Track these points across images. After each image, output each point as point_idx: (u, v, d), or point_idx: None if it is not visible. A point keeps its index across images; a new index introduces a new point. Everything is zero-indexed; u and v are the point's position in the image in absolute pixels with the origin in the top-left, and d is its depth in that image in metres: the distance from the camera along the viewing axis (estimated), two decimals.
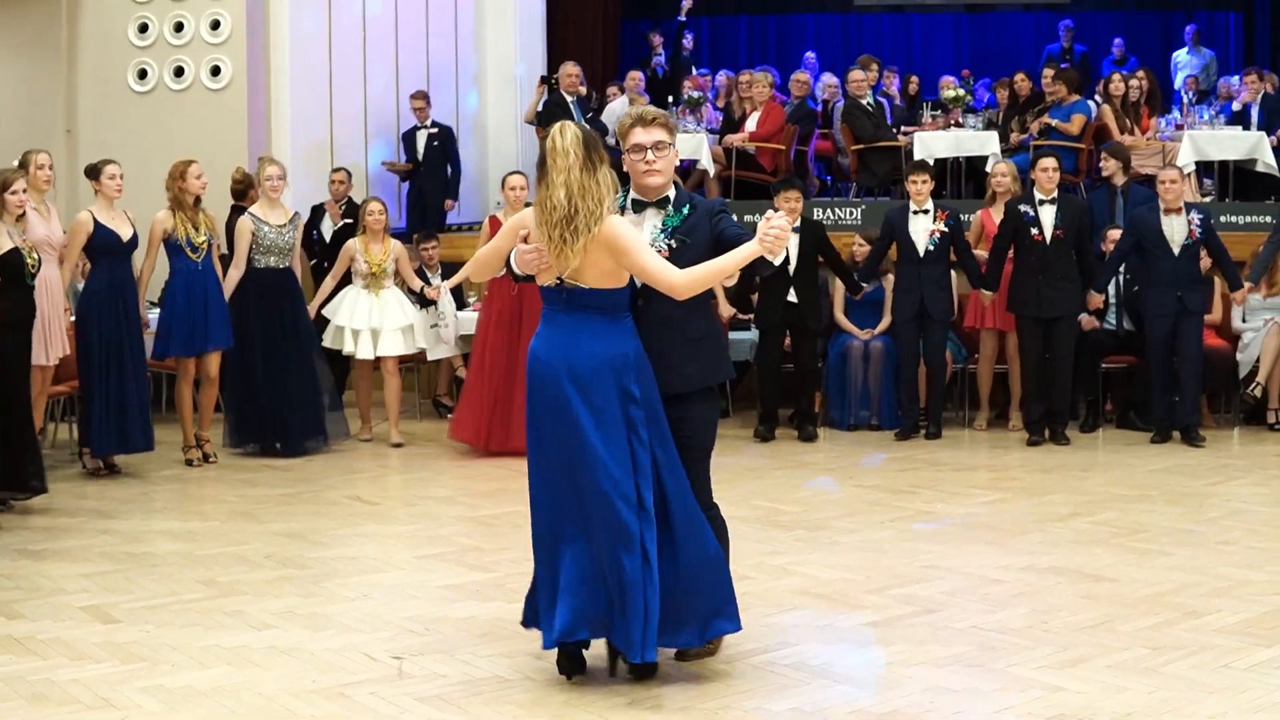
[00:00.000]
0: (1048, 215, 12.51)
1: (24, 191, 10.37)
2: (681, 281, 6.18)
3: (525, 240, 6.39)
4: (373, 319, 12.75)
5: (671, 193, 6.55)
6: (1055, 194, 12.58)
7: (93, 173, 11.46)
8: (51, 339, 10.86)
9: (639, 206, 6.56)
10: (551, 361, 6.34)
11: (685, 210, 6.52)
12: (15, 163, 11.01)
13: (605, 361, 6.28)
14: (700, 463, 6.63)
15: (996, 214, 13.15)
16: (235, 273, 12.10)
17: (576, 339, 6.32)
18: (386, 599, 7.91)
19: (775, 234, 5.96)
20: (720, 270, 6.20)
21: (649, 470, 6.31)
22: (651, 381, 6.37)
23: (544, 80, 17.38)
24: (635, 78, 18.23)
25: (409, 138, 16.94)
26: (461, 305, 14.01)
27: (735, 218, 6.73)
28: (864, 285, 13.03)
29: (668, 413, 6.42)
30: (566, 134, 6.28)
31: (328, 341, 12.89)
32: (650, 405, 6.35)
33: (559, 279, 6.32)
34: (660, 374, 6.41)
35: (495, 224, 12.36)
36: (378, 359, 12.86)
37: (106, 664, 6.89)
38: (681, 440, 6.46)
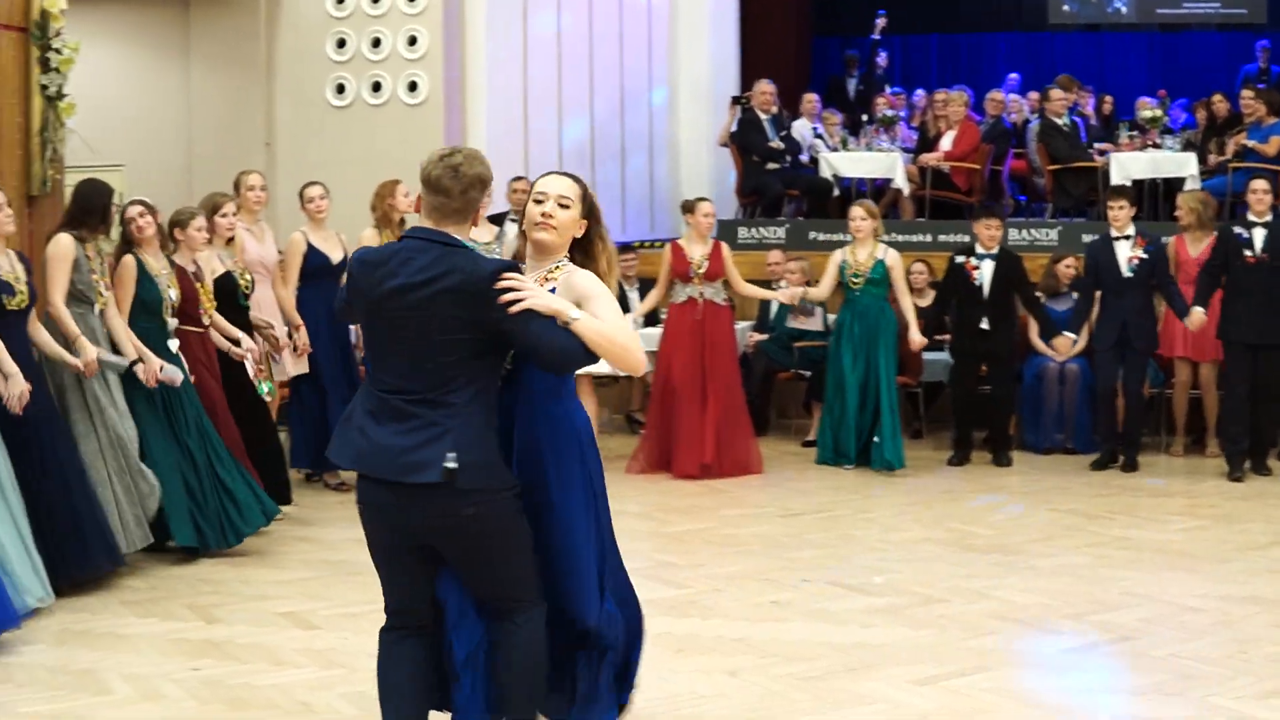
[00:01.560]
0: (1259, 237, 12.10)
1: (234, 214, 10.51)
2: None
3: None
4: None
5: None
6: (1268, 217, 12.19)
7: (300, 195, 11.58)
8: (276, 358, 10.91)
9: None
10: None
11: None
12: (231, 183, 11.14)
13: None
14: None
15: (1190, 242, 12.90)
16: None
17: None
18: None
19: None
20: None
21: None
22: None
23: (735, 100, 17.32)
24: (811, 99, 18.20)
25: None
26: (653, 321, 13.75)
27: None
28: (1064, 333, 12.72)
29: None
30: None
31: None
32: None
33: None
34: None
35: (677, 251, 12.36)
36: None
37: (306, 669, 7.00)
38: None
